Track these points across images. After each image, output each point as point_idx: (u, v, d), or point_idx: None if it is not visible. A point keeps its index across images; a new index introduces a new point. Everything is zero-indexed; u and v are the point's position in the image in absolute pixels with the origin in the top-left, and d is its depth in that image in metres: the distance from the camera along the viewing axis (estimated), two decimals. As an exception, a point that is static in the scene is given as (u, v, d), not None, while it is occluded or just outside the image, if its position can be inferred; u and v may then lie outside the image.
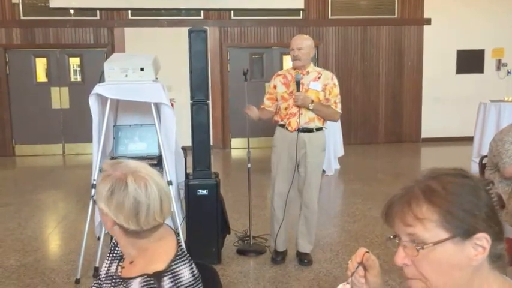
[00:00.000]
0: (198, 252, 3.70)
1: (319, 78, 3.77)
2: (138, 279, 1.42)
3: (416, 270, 1.03)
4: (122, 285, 1.48)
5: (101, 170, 1.50)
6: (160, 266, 1.42)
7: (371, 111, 10.12)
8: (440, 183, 1.02)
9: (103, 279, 1.61)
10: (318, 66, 9.64)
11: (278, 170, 3.83)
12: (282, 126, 3.80)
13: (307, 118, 3.74)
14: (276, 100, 3.83)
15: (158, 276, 1.40)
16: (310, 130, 3.76)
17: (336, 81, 3.82)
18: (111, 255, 1.63)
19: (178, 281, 1.42)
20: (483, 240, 0.99)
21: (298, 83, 3.68)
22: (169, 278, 1.40)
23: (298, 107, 3.69)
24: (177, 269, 1.43)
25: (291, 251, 4.04)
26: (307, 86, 3.73)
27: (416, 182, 1.06)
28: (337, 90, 3.80)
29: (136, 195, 1.40)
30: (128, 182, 1.41)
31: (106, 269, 1.62)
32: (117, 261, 1.59)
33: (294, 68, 3.80)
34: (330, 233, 4.67)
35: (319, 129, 3.80)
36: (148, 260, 1.45)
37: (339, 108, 3.82)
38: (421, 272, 1.03)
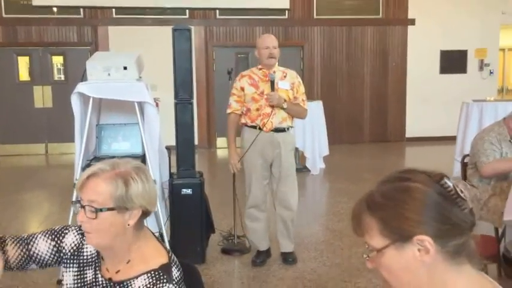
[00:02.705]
0: (182, 251, 3.68)
1: (285, 77, 3.82)
2: (142, 277, 1.42)
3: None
4: None
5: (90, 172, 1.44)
6: (164, 260, 1.45)
7: (356, 110, 10.17)
8: (379, 191, 1.07)
9: None
10: (303, 66, 9.79)
11: (253, 171, 3.80)
12: (254, 127, 3.76)
13: (281, 118, 3.75)
14: (244, 102, 3.81)
15: (166, 268, 1.43)
16: (282, 130, 3.77)
17: (300, 79, 3.91)
18: (73, 262, 1.53)
19: (181, 269, 1.48)
20: (423, 241, 1.01)
21: (272, 83, 3.68)
22: (175, 268, 1.46)
23: (272, 106, 3.70)
24: (176, 259, 1.50)
25: (274, 251, 4.04)
26: (276, 85, 3.74)
27: (369, 191, 1.10)
28: (303, 88, 3.89)
29: (152, 179, 1.51)
30: (145, 168, 1.49)
31: (77, 278, 1.52)
32: (90, 266, 1.52)
33: (260, 68, 3.81)
34: (314, 232, 4.68)
35: (289, 128, 3.84)
36: (144, 258, 1.46)
37: (306, 106, 3.89)
38: (383, 276, 1.08)
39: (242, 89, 3.79)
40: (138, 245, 1.47)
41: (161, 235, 3.81)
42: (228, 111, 3.86)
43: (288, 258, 3.92)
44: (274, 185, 3.86)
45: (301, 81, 3.89)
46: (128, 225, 1.43)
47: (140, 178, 1.43)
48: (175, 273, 1.44)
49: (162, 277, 1.40)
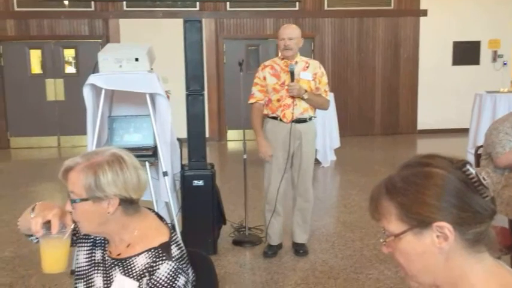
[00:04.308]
0: (193, 242, 3.68)
1: (307, 67, 3.78)
2: (143, 255, 1.47)
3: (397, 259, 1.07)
4: (117, 267, 1.50)
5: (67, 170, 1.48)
6: (164, 238, 1.49)
7: (367, 102, 10.11)
8: (399, 175, 1.05)
9: (87, 267, 1.59)
10: (314, 57, 9.73)
11: (273, 163, 3.80)
12: (275, 118, 3.76)
13: (302, 108, 3.73)
14: (267, 92, 3.80)
15: (165, 246, 1.47)
16: (304, 120, 3.76)
17: (323, 69, 3.86)
18: (86, 243, 1.62)
19: (182, 248, 1.52)
20: (443, 228, 0.99)
21: (292, 73, 3.65)
22: (176, 246, 1.49)
23: (293, 97, 3.68)
24: (177, 239, 1.53)
25: (286, 242, 4.04)
26: (298, 75, 3.71)
27: (389, 175, 1.08)
28: (326, 78, 3.85)
29: (135, 165, 1.50)
30: (124, 156, 1.49)
31: (87, 257, 1.60)
32: (100, 247, 1.59)
33: (282, 58, 3.78)
34: (325, 224, 4.68)
35: (311, 118, 3.82)
36: (145, 238, 1.50)
37: (328, 97, 3.86)
38: (398, 262, 1.06)
39: (264, 78, 3.77)
40: (135, 228, 1.51)
41: (173, 226, 3.83)
42: (251, 101, 3.83)
43: (300, 250, 3.92)
44: (294, 176, 3.85)
45: (324, 72, 3.84)
46: (108, 213, 1.45)
47: (112, 167, 1.44)
48: (175, 251, 1.48)
49: (161, 255, 1.44)
